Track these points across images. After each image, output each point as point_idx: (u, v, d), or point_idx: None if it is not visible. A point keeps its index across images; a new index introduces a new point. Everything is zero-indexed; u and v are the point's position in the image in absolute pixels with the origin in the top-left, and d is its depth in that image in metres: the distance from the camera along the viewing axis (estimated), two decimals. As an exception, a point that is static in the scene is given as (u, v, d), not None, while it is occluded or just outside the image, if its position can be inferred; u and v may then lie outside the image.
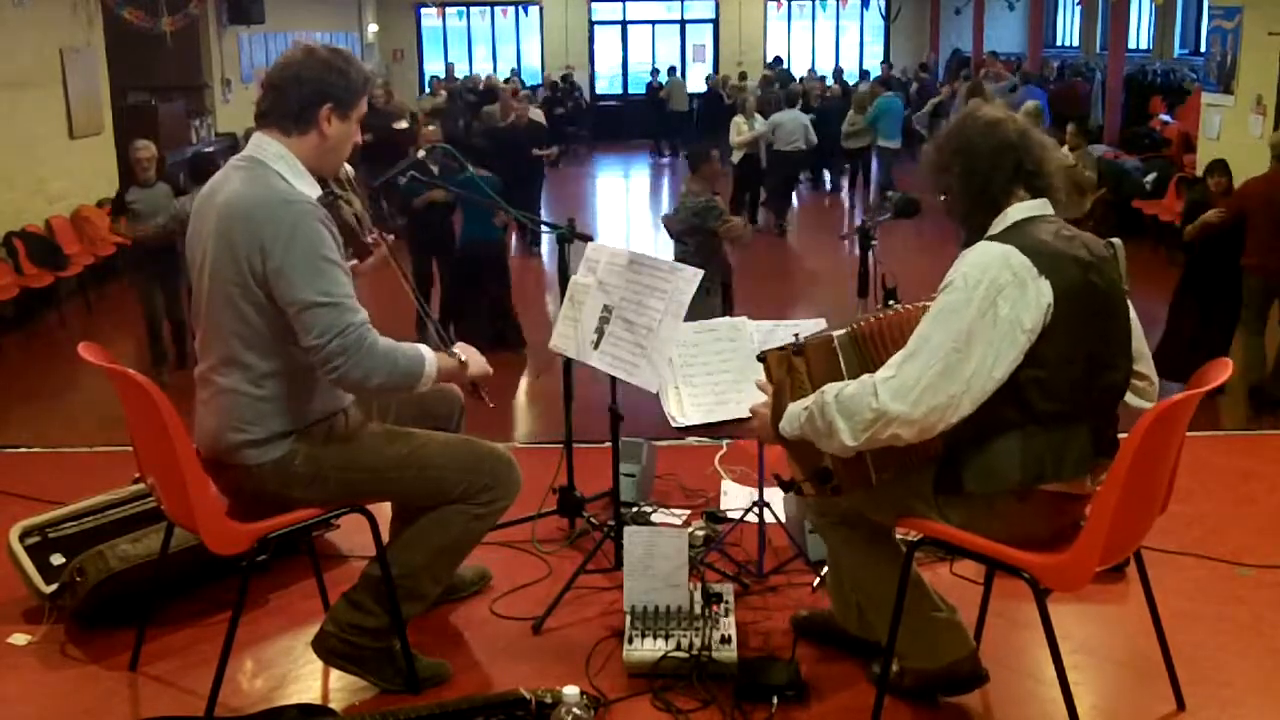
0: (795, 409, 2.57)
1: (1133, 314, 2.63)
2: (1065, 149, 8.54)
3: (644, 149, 22.21)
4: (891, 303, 2.87)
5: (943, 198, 2.65)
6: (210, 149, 13.57)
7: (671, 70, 22.72)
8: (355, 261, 3.08)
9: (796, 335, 2.70)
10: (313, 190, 2.79)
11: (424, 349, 2.85)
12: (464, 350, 3.00)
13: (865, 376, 2.46)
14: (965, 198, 2.61)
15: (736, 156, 13.36)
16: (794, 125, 13.71)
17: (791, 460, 2.73)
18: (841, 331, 2.65)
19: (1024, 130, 2.57)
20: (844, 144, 15.43)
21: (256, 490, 2.83)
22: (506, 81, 19.69)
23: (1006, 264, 2.41)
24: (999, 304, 2.38)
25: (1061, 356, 2.44)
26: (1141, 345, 2.69)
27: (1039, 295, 2.40)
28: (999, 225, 2.55)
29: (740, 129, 13.48)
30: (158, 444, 2.73)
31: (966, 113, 2.69)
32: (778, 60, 22.88)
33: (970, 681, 2.87)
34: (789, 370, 2.63)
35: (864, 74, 21.61)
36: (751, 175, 13.68)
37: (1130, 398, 2.67)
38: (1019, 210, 2.55)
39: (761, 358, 2.74)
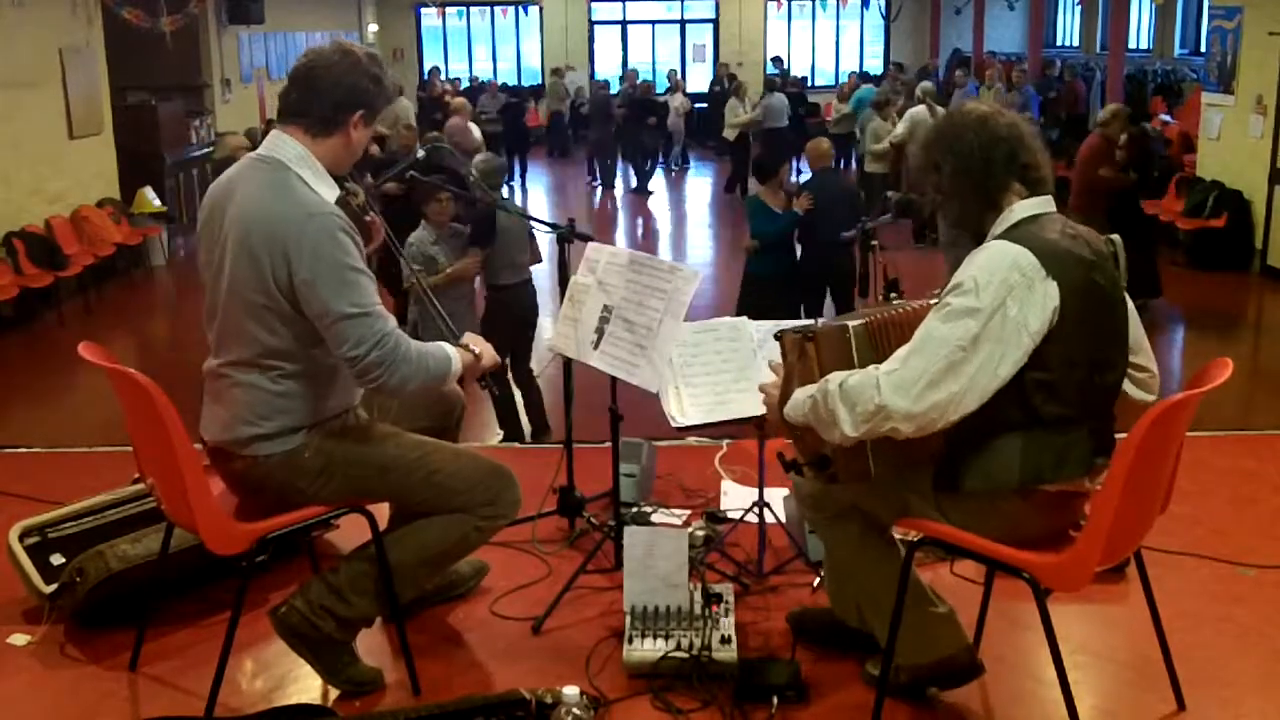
0: (801, 395, 2.58)
1: (1130, 305, 2.63)
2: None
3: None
4: (893, 295, 2.87)
5: (936, 199, 2.65)
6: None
7: (566, 70, 22.40)
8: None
9: (815, 319, 2.69)
10: (332, 192, 2.80)
11: (447, 347, 2.90)
12: (475, 342, 3.03)
13: (870, 368, 2.46)
14: (959, 197, 2.60)
15: (732, 135, 15.93)
16: (780, 106, 16.02)
17: (795, 444, 2.74)
18: (857, 321, 2.65)
19: (1013, 123, 2.56)
20: (830, 130, 16.32)
21: (261, 483, 2.83)
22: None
23: (1016, 265, 2.41)
24: (1008, 305, 2.38)
25: (1067, 359, 2.44)
26: (1141, 337, 2.69)
27: (1046, 297, 2.40)
28: (1004, 223, 2.54)
29: (736, 112, 15.86)
30: (157, 444, 2.73)
31: (952, 110, 2.70)
32: (778, 60, 22.89)
33: (966, 674, 2.86)
34: (800, 355, 2.64)
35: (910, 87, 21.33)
36: (746, 152, 15.62)
37: (1132, 389, 2.66)
38: (1024, 208, 2.54)
39: (779, 337, 2.75)
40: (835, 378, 2.49)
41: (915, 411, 2.38)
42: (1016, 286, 2.39)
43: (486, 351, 3.04)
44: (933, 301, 2.59)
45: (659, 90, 19.32)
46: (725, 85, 19.34)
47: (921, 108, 12.81)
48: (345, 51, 2.80)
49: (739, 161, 15.95)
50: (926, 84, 14.24)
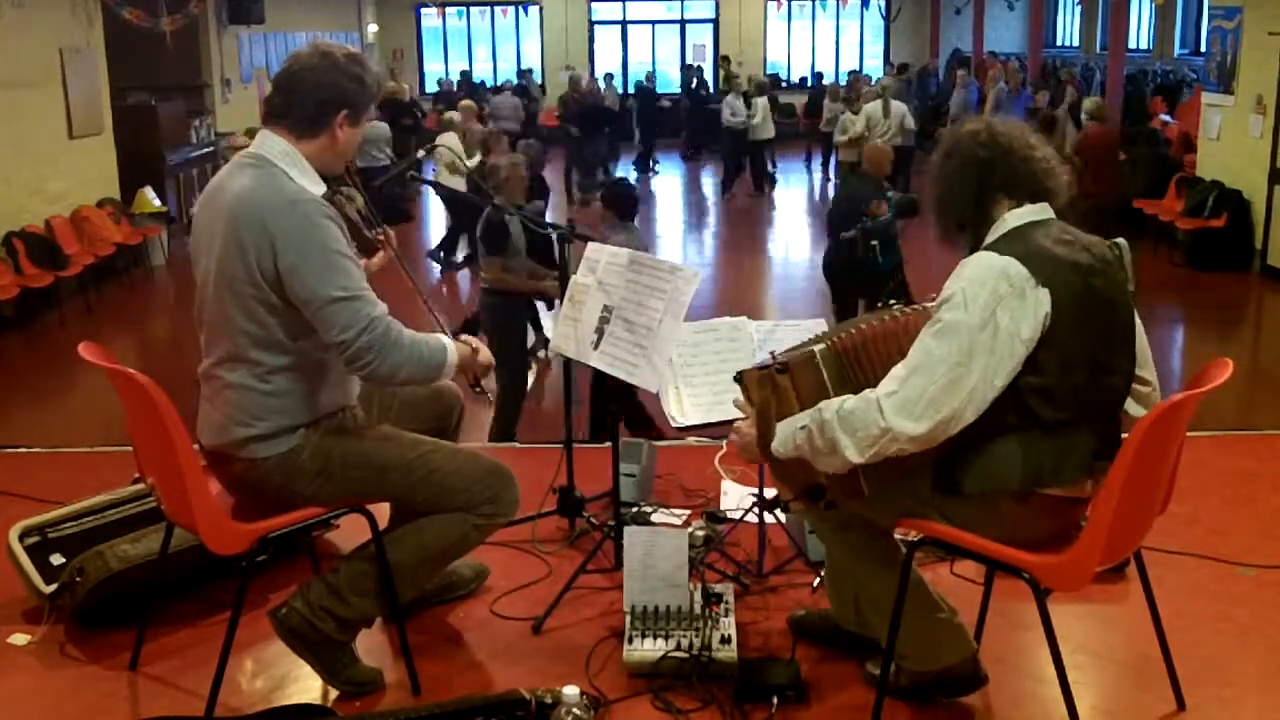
0: (788, 429, 2.56)
1: (1136, 320, 2.63)
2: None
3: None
4: (894, 302, 2.87)
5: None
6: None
7: (529, 71, 22.36)
8: (364, 260, 3.09)
9: (773, 354, 2.67)
10: (318, 188, 2.80)
11: (444, 338, 2.88)
12: (471, 341, 3.02)
13: (867, 392, 2.46)
14: (940, 217, 2.65)
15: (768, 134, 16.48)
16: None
17: (778, 479, 2.72)
18: (821, 345, 2.63)
19: (992, 141, 2.56)
20: (822, 129, 16.91)
21: (259, 484, 2.83)
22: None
23: (1005, 275, 2.40)
24: (999, 315, 2.38)
25: (1063, 364, 2.43)
26: (1145, 351, 2.69)
27: (1037, 305, 2.40)
28: (996, 232, 2.55)
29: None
30: (158, 444, 2.73)
31: (953, 128, 2.72)
32: (725, 60, 23.10)
33: (968, 683, 2.86)
34: (773, 389, 2.62)
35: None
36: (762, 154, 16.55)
37: (1130, 404, 2.65)
38: (1017, 216, 2.54)
39: (738, 378, 2.73)
40: (830, 406, 2.48)
41: (920, 432, 2.38)
42: (1006, 297, 2.39)
43: (483, 351, 3.03)
44: (923, 306, 2.59)
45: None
46: (695, 84, 19.56)
47: (877, 103, 13.46)
48: (324, 53, 2.81)
49: (757, 161, 16.60)
50: (886, 80, 14.76)
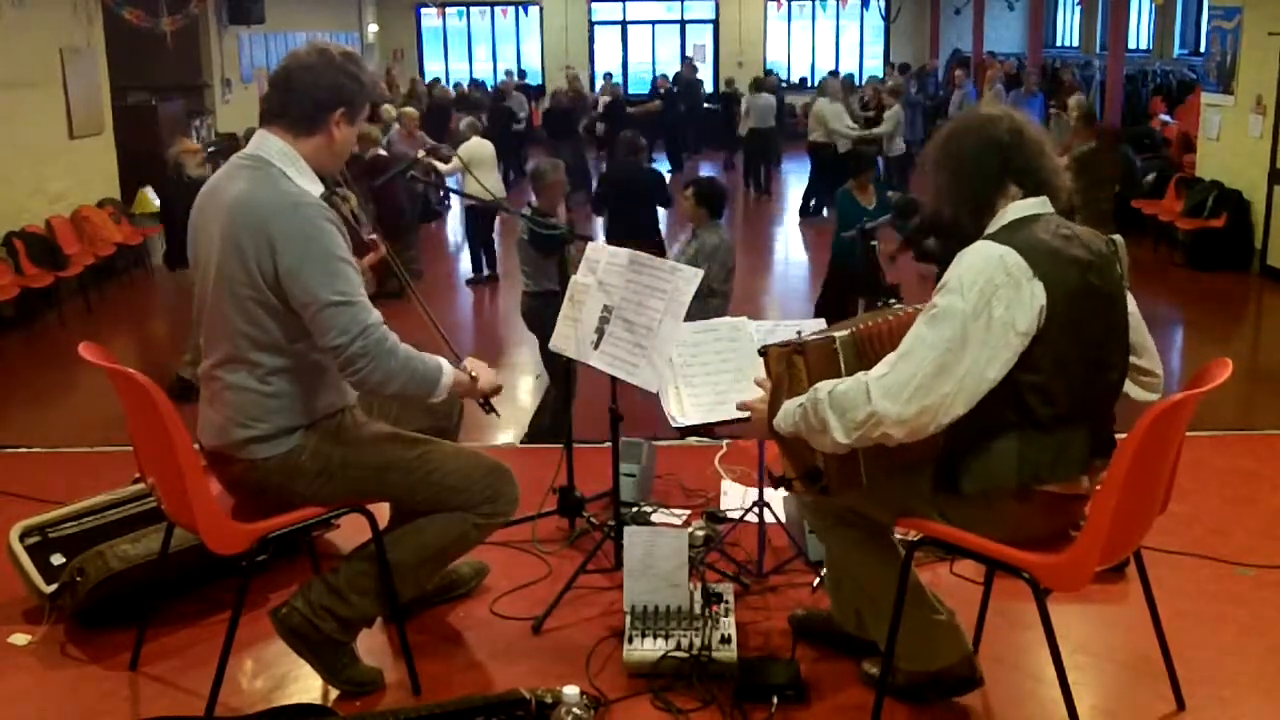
0: (790, 405, 2.57)
1: (1134, 307, 2.63)
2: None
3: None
4: (893, 301, 2.87)
5: (936, 199, 2.66)
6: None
7: (509, 73, 22.17)
8: (356, 260, 3.08)
9: (799, 332, 2.69)
10: (316, 188, 2.80)
11: (442, 360, 2.87)
12: (474, 365, 3.01)
13: (860, 374, 2.46)
14: (953, 198, 2.60)
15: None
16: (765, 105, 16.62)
17: (785, 457, 2.73)
18: (844, 332, 2.64)
19: (1018, 129, 2.55)
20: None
21: (260, 485, 2.84)
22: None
23: (1002, 265, 2.40)
24: (993, 305, 2.37)
25: (1059, 360, 2.43)
26: (1144, 338, 2.69)
27: (1033, 297, 2.39)
28: (996, 224, 2.54)
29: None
30: (158, 444, 2.73)
31: (964, 111, 2.70)
32: (689, 60, 23.07)
33: (964, 684, 2.86)
34: (788, 367, 2.63)
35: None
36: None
37: (1135, 390, 2.66)
38: (1017, 209, 2.54)
39: (763, 352, 2.74)
40: (824, 386, 2.48)
41: (906, 416, 2.38)
42: (1002, 287, 2.38)
43: (485, 376, 3.01)
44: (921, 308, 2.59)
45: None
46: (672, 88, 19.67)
47: (819, 101, 14.39)
48: (321, 51, 2.81)
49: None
50: (832, 81, 15.83)
